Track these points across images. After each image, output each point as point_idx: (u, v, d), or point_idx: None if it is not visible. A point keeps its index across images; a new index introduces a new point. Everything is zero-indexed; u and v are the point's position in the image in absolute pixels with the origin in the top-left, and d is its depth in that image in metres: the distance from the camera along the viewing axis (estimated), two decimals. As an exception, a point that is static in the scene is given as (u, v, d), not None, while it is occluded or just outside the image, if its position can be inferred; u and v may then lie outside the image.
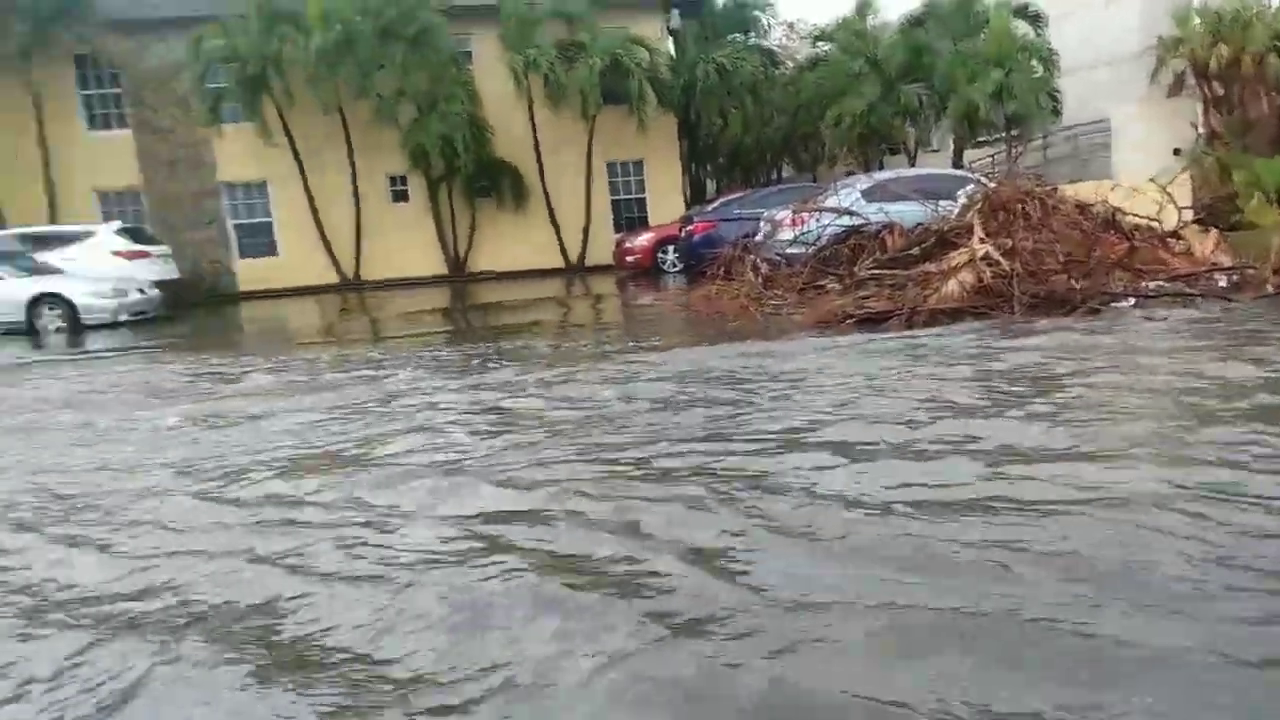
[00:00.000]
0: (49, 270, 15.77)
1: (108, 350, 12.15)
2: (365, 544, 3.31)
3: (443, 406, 6.00)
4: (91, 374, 9.66)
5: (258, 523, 3.70)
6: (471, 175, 21.86)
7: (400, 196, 22.88)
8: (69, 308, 14.91)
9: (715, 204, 19.21)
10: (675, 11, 24.04)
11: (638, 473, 3.95)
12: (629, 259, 19.76)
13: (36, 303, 14.84)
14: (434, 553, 3.15)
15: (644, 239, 19.90)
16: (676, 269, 18.61)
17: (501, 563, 2.97)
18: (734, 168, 28.24)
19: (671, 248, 18.98)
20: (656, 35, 23.01)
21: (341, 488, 4.10)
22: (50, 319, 14.86)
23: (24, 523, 4.01)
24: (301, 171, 21.92)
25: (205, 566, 3.21)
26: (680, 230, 18.50)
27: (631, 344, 8.88)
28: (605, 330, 11.13)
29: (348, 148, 21.91)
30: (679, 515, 3.30)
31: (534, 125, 22.45)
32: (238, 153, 21.72)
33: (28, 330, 14.61)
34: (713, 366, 6.66)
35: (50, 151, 20.98)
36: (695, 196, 26.14)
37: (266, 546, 3.36)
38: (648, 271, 19.12)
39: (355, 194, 22.31)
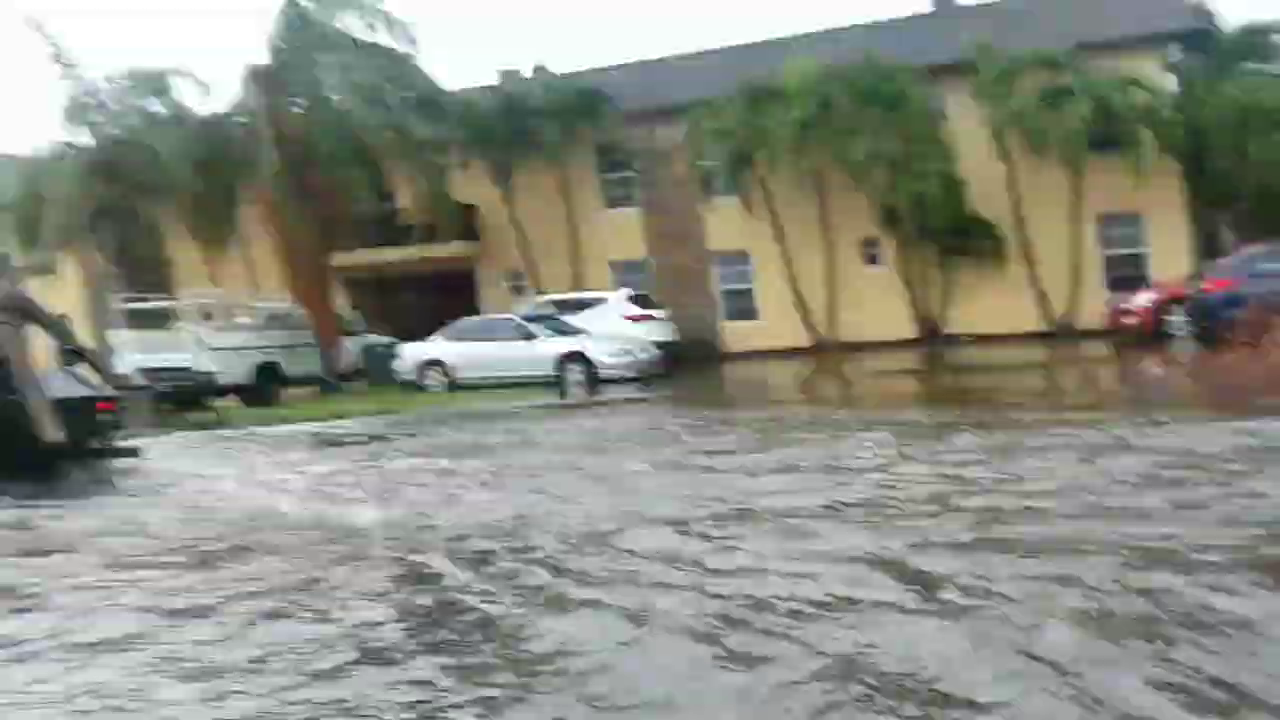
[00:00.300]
0: (574, 332, 18.44)
1: (615, 401, 13.92)
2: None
3: (889, 471, 6.01)
4: (600, 421, 11.17)
5: (650, 565, 4.05)
6: (945, 235, 21.51)
7: (872, 259, 23.23)
8: (588, 364, 17.30)
9: (1237, 258, 16.74)
10: (1175, 46, 21.59)
11: (1052, 568, 3.57)
12: (1126, 321, 17.89)
13: (564, 359, 17.45)
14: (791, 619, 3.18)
15: (1144, 299, 17.92)
16: (1185, 333, 16.46)
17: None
18: (1262, 216, 24.38)
19: (1179, 308, 16.80)
20: (1154, 73, 20.89)
21: (766, 540, 4.30)
22: (574, 373, 17.34)
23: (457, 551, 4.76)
24: (780, 239, 23.25)
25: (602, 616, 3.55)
26: (1190, 289, 16.39)
27: (1119, 416, 8.13)
28: (1089, 399, 10.30)
29: (821, 213, 22.81)
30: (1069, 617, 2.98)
31: (1013, 179, 21.53)
32: (725, 225, 23.70)
33: (556, 383, 17.20)
34: (1216, 445, 5.86)
35: (576, 229, 24.67)
36: (1208, 251, 23.01)
37: (652, 599, 3.60)
38: (1149, 335, 17.14)
39: (829, 258, 23.11)
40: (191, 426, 13.94)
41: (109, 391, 9.25)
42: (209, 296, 21.26)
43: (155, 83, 21.95)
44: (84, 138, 22.32)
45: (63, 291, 24.82)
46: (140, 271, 21.79)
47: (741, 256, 24.31)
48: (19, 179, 22.40)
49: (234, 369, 17.70)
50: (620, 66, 25.64)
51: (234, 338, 18.47)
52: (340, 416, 13.93)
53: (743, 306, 24.31)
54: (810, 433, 8.44)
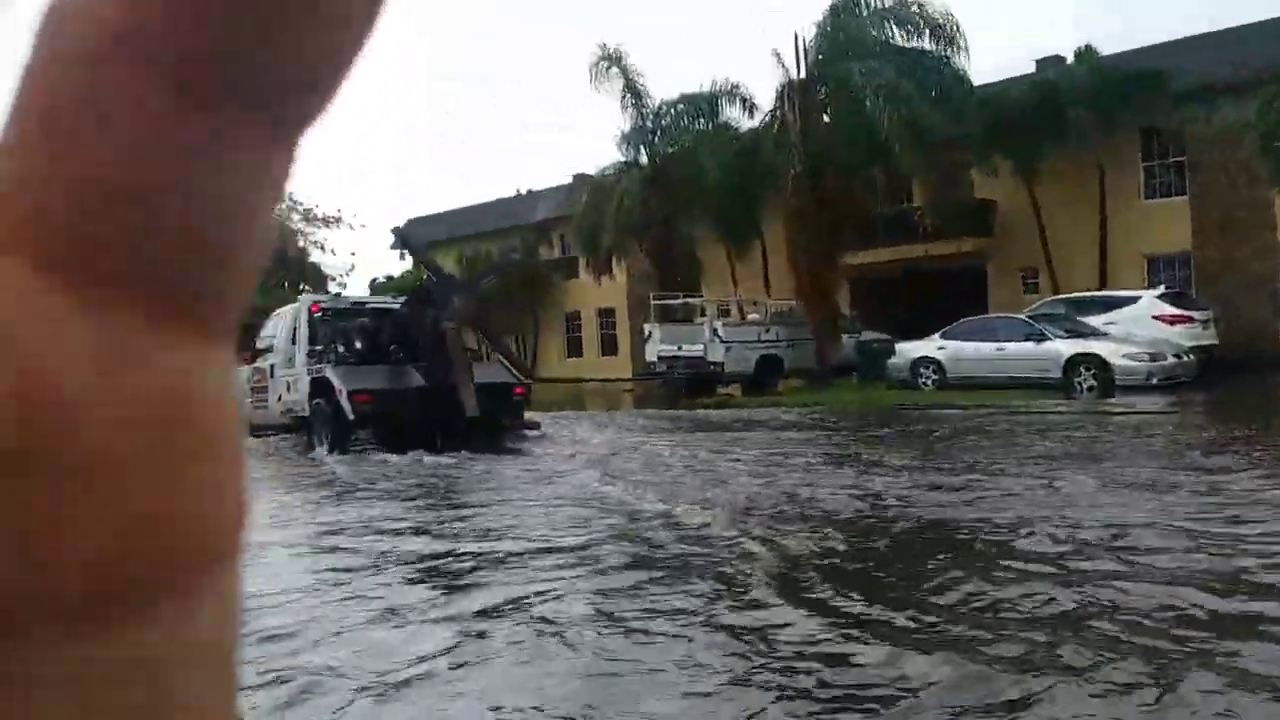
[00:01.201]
0: (1089, 332, 16.63)
1: (1129, 409, 12.27)
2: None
3: None
4: (1099, 431, 9.93)
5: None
6: None
7: None
8: (1103, 368, 15.50)
9: None
10: None
11: None
12: None
13: (1073, 362, 15.82)
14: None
15: None
16: None
17: None
18: None
19: None
20: None
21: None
22: (1084, 377, 15.65)
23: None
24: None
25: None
26: None
27: None
28: None
29: None
30: None
31: None
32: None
33: (1061, 385, 15.66)
34: None
35: (1107, 221, 22.13)
36: None
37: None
38: None
39: None
40: (683, 407, 15.36)
41: (523, 380, 11.98)
42: (727, 295, 23.12)
43: (705, 105, 24.26)
44: (641, 157, 25.62)
45: (611, 289, 28.80)
46: (674, 271, 24.36)
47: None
48: (588, 195, 26.37)
49: (740, 360, 19.12)
50: (1179, 41, 22.43)
51: (743, 333, 19.95)
52: (820, 405, 14.28)
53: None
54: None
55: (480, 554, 5.01)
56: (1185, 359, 15.90)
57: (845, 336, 20.35)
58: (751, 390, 18.68)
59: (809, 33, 21.53)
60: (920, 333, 18.20)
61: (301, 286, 33.36)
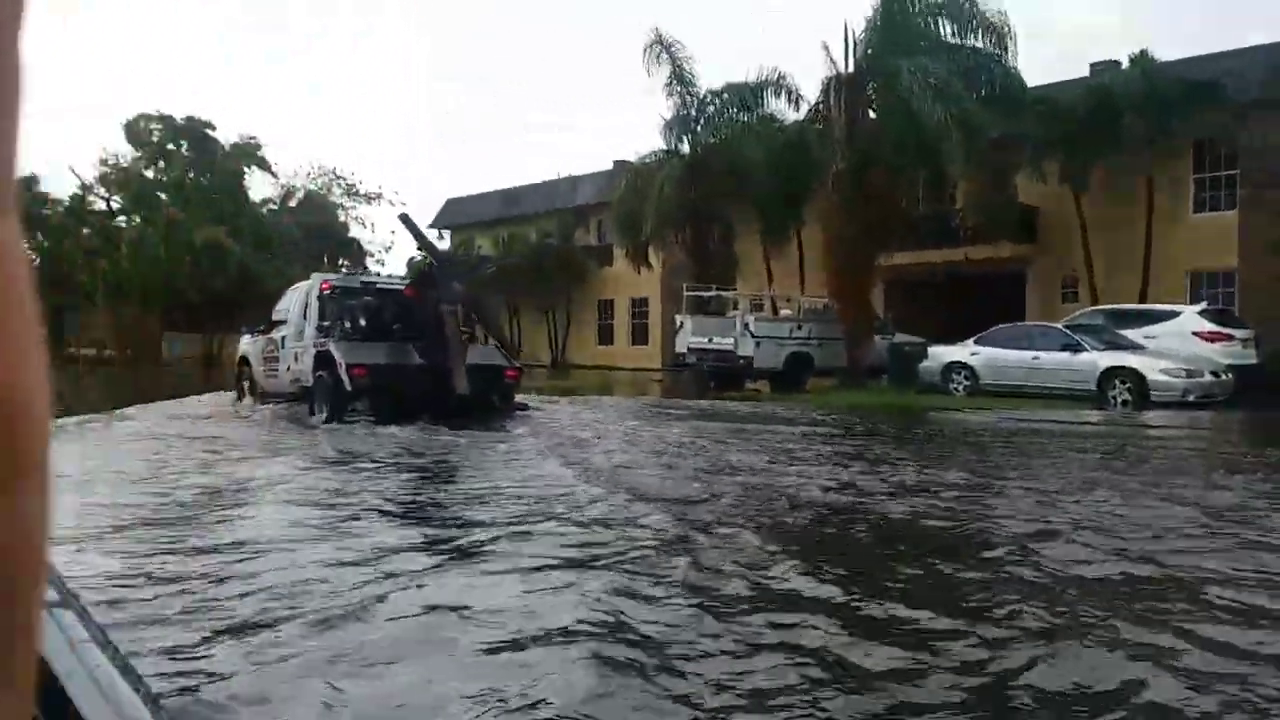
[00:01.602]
0: (1126, 346, 16.38)
1: (1161, 426, 12.08)
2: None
3: None
4: (1128, 447, 9.79)
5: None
6: None
7: None
8: (1138, 382, 15.27)
9: None
10: None
11: None
12: None
13: (1109, 374, 15.59)
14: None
15: None
16: None
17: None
18: None
19: None
20: None
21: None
22: (1119, 390, 15.44)
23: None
24: None
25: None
26: None
27: None
28: None
29: None
30: None
31: None
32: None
33: (1094, 397, 15.45)
34: None
35: (1152, 234, 21.70)
36: None
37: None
38: None
39: None
40: (707, 400, 15.35)
41: (515, 364, 12.62)
42: (761, 290, 22.99)
43: (750, 96, 23.99)
44: (683, 146, 25.43)
45: (646, 278, 28.74)
46: (709, 264, 24.20)
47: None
48: (627, 182, 26.28)
49: (770, 356, 19.05)
50: (1236, 51, 21.88)
51: (774, 328, 19.89)
52: (845, 405, 14.21)
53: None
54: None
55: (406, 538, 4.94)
56: (1223, 377, 15.61)
57: (878, 338, 20.19)
58: (780, 387, 18.61)
59: (859, 26, 21.29)
60: (955, 338, 18.01)
61: (341, 261, 33.69)
